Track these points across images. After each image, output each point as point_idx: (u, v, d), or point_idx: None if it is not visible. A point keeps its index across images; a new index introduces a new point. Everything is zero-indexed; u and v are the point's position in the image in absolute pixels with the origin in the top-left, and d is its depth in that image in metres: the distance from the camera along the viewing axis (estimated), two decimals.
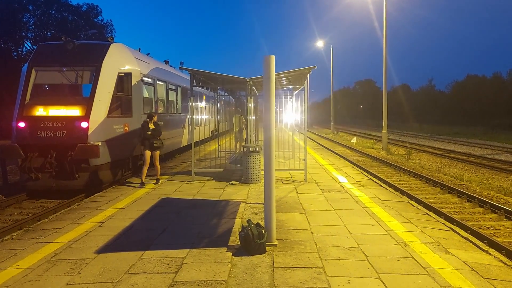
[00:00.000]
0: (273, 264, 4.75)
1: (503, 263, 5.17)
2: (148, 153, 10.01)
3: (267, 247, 5.16)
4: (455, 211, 9.91)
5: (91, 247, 5.40)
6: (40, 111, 9.85)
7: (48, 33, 40.33)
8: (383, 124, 23.73)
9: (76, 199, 9.65)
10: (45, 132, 9.55)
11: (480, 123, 52.23)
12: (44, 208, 9.48)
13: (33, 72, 10.29)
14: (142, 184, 9.78)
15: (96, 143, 9.54)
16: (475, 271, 4.71)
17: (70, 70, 10.38)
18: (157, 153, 10.21)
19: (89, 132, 9.58)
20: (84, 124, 9.58)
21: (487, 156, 20.87)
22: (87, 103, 9.82)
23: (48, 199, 10.16)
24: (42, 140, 9.54)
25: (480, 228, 8.43)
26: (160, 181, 10.27)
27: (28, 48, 39.89)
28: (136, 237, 5.87)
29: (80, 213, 7.36)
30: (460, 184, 13.22)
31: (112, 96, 10.28)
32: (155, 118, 10.15)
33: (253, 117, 13.86)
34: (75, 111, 9.83)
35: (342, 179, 10.88)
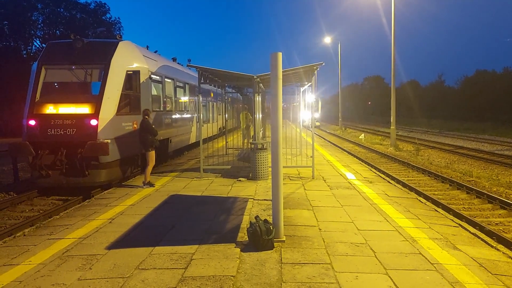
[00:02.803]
0: (281, 260, 4.79)
1: (511, 259, 5.16)
2: (154, 152, 9.65)
3: (275, 243, 5.20)
4: (464, 207, 9.86)
5: (101, 243, 5.49)
6: (50, 109, 9.98)
7: (57, 31, 40.67)
8: (392, 120, 23.54)
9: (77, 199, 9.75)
10: (55, 130, 9.67)
11: (490, 118, 51.64)
12: (55, 205, 9.61)
13: (43, 71, 10.41)
14: (149, 184, 9.66)
15: (106, 140, 9.65)
16: (483, 267, 4.70)
17: (79, 68, 10.50)
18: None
19: (99, 129, 9.68)
20: (93, 122, 9.68)
21: (496, 152, 20.65)
22: (96, 101, 9.91)
23: (58, 196, 10.31)
24: (52, 137, 9.66)
25: (489, 224, 8.39)
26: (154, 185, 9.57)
27: (37, 46, 40.30)
28: (146, 233, 5.96)
29: (91, 210, 7.47)
30: (469, 180, 13.13)
31: (121, 94, 10.36)
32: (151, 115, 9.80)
33: (261, 114, 13.87)
34: (84, 109, 9.93)
35: (350, 176, 10.87)
